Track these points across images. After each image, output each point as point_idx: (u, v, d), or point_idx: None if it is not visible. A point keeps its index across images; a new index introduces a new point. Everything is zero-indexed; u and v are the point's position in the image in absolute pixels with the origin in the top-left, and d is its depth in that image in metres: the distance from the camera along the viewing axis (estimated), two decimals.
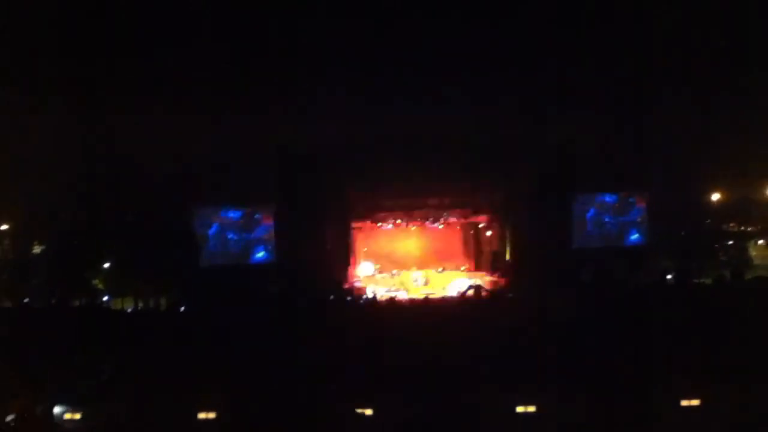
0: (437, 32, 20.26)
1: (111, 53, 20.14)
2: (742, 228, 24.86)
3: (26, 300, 20.31)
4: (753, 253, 24.28)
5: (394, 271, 28.03)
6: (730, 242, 24.26)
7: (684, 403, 10.38)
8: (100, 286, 23.11)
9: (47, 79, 19.58)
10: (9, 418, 10.87)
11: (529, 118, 20.63)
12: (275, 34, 20.37)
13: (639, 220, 22.50)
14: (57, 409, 10.70)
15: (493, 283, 24.18)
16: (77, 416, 10.77)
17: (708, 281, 19.14)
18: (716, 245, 24.08)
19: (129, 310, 18.00)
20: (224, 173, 21.37)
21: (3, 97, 19.04)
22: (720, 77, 20.49)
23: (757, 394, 10.11)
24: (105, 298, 22.26)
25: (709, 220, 24.38)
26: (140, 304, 19.36)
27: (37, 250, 23.71)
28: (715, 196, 23.73)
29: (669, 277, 19.95)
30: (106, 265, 23.38)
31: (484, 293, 14.39)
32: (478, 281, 20.76)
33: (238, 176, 21.45)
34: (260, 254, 22.42)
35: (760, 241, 24.56)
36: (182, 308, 15.98)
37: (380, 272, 28.43)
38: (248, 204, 22.55)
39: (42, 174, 20.94)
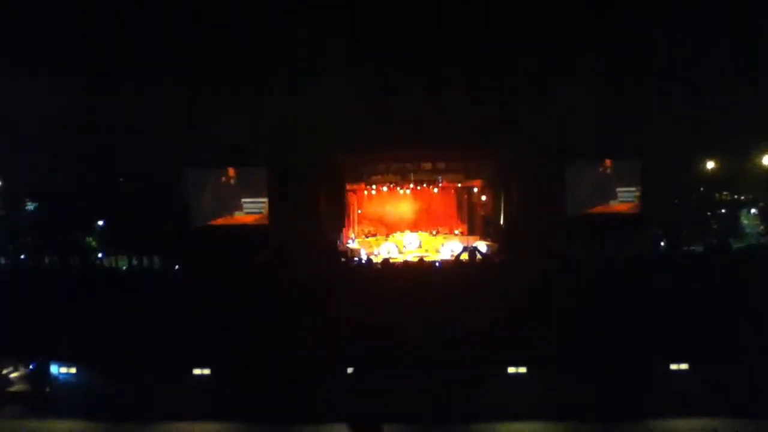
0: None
1: (101, 16, 19.81)
2: (735, 197, 24.95)
3: (22, 257, 20.34)
4: (744, 222, 24.41)
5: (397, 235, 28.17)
6: (722, 211, 24.39)
7: (673, 367, 10.59)
8: (94, 244, 23.11)
9: (39, 41, 19.31)
10: (5, 371, 10.98)
11: (522, 85, 20.52)
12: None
13: (632, 187, 22.54)
14: (53, 364, 10.82)
15: (488, 247, 24.31)
16: (72, 371, 10.90)
17: (699, 249, 19.36)
18: (708, 214, 24.21)
19: (123, 269, 18.03)
20: (216, 134, 21.23)
21: None
22: (716, 45, 20.35)
23: (744, 359, 10.31)
24: (99, 256, 22.26)
25: (701, 189, 24.44)
26: (134, 262, 19.38)
27: (30, 207, 23.60)
28: (709, 165, 23.76)
29: (662, 244, 20.14)
30: (100, 223, 23.36)
31: (479, 257, 14.44)
32: (475, 244, 20.81)
33: (232, 137, 21.33)
34: (252, 210, 22.39)
35: (753, 211, 24.65)
36: (176, 267, 16.01)
37: (374, 234, 28.53)
38: (242, 165, 22.47)
39: (33, 132, 20.73)
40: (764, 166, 23.26)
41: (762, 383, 10.17)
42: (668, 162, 22.27)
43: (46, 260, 18.61)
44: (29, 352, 11.24)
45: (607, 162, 22.60)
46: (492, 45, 20.21)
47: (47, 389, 11.02)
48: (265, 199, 22.24)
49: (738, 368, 10.34)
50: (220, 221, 22.32)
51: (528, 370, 10.71)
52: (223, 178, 22.47)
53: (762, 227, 23.74)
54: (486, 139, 22.50)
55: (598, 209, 22.59)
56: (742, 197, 24.89)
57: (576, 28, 19.95)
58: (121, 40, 19.98)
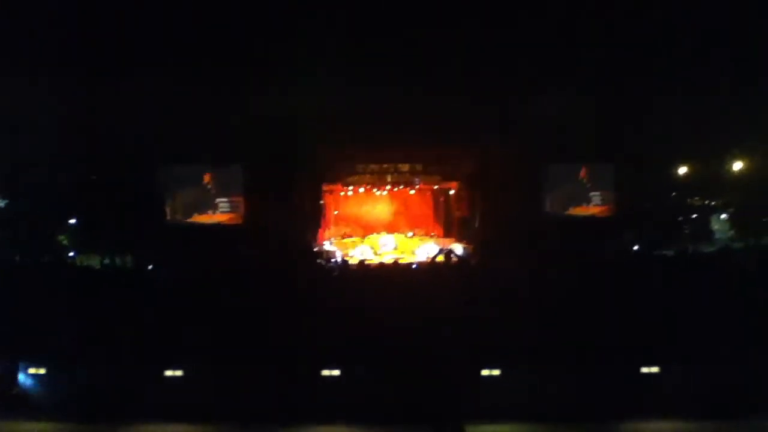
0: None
1: (79, 16, 19.57)
2: (706, 202, 25.29)
3: None
4: (715, 227, 24.77)
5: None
6: (694, 216, 24.71)
7: (644, 370, 10.71)
8: (65, 242, 22.76)
9: (15, 38, 19.06)
10: None
11: (501, 87, 20.63)
12: None
13: (606, 191, 22.72)
14: (22, 364, 10.66)
15: (465, 249, 24.38)
16: (41, 371, 10.73)
17: (670, 253, 19.63)
18: (680, 218, 24.50)
19: (96, 268, 17.80)
20: (193, 132, 21.06)
21: None
22: (692, 51, 20.61)
23: (714, 362, 10.46)
24: (71, 254, 21.94)
25: (674, 194, 24.72)
26: (106, 261, 19.15)
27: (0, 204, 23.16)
28: (681, 170, 24.07)
29: (635, 248, 20.34)
30: (72, 221, 23.00)
31: (454, 259, 14.50)
32: (450, 247, 20.87)
33: (208, 135, 21.19)
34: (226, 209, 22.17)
35: (723, 216, 25.02)
36: (150, 267, 15.85)
37: (350, 236, 28.45)
38: (217, 163, 22.26)
39: (6, 128, 20.44)
40: (735, 172, 23.62)
41: (737, 384, 10.35)
42: (641, 166, 22.51)
43: (17, 258, 18.33)
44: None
45: (582, 170, 22.81)
46: (473, 46, 20.28)
47: (15, 390, 10.85)
48: (239, 198, 22.07)
49: (713, 370, 10.50)
50: (194, 219, 22.11)
51: (501, 372, 10.76)
52: (199, 177, 22.27)
53: (732, 232, 24.09)
54: (464, 137, 22.60)
55: (572, 211, 22.78)
56: (713, 202, 25.23)
57: (556, 34, 20.12)
58: (96, 39, 19.74)
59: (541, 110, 20.48)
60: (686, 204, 25.05)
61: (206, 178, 22.15)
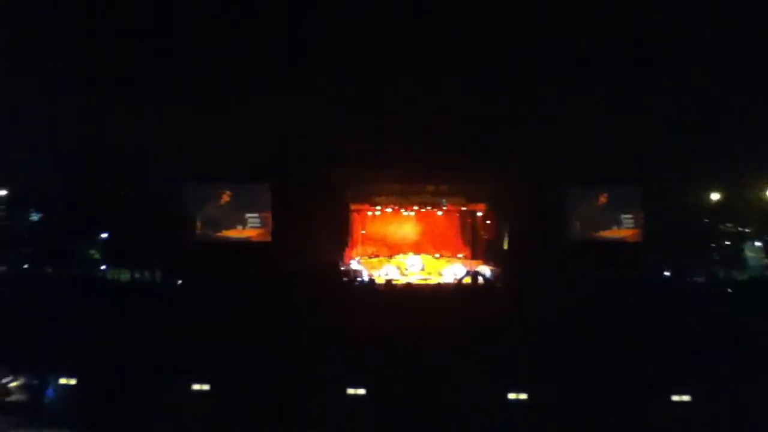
0: (432, 23, 20.12)
1: (103, 27, 19.98)
2: (739, 229, 24.90)
3: (25, 266, 20.36)
4: (749, 254, 24.35)
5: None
6: (726, 243, 24.35)
7: (675, 398, 10.47)
8: (97, 256, 23.14)
9: (44, 53, 19.51)
10: (4, 380, 10.93)
11: (525, 110, 20.62)
12: (272, 15, 20.19)
13: (634, 215, 22.50)
14: (52, 375, 10.77)
15: (492, 271, 24.25)
16: (72, 382, 10.82)
17: (701, 280, 19.30)
18: (712, 245, 24.15)
19: (125, 282, 18.03)
20: (222, 150, 21.36)
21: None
22: (721, 72, 20.34)
23: (747, 391, 10.21)
24: (102, 268, 22.29)
25: (705, 219, 24.40)
26: (136, 275, 19.38)
27: (34, 217, 23.63)
28: (713, 196, 23.76)
29: (666, 274, 20.03)
30: (103, 235, 23.39)
31: (481, 281, 14.42)
32: (478, 269, 20.74)
33: (236, 153, 21.48)
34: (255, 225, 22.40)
35: (757, 243, 24.59)
36: (179, 281, 15.98)
37: (377, 255, 28.48)
38: (245, 181, 22.56)
39: (37, 143, 20.86)
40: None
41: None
42: (670, 190, 22.23)
43: (48, 270, 18.61)
44: (28, 362, 11.20)
45: (604, 196, 22.63)
46: (494, 69, 20.31)
47: (45, 400, 10.96)
48: (267, 214, 22.30)
49: (740, 400, 10.25)
50: (223, 234, 22.37)
51: (529, 396, 10.61)
52: (227, 193, 22.57)
53: (766, 260, 23.69)
54: (487, 160, 22.61)
55: (603, 234, 22.57)
56: (747, 229, 24.81)
57: (580, 57, 20.06)
58: (125, 50, 20.10)
59: (567, 131, 20.38)
60: (719, 230, 24.68)
61: (234, 194, 22.46)
